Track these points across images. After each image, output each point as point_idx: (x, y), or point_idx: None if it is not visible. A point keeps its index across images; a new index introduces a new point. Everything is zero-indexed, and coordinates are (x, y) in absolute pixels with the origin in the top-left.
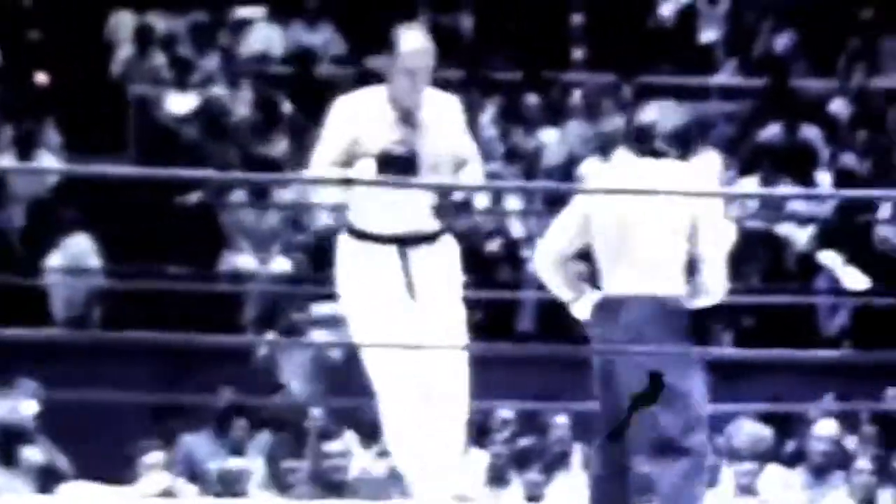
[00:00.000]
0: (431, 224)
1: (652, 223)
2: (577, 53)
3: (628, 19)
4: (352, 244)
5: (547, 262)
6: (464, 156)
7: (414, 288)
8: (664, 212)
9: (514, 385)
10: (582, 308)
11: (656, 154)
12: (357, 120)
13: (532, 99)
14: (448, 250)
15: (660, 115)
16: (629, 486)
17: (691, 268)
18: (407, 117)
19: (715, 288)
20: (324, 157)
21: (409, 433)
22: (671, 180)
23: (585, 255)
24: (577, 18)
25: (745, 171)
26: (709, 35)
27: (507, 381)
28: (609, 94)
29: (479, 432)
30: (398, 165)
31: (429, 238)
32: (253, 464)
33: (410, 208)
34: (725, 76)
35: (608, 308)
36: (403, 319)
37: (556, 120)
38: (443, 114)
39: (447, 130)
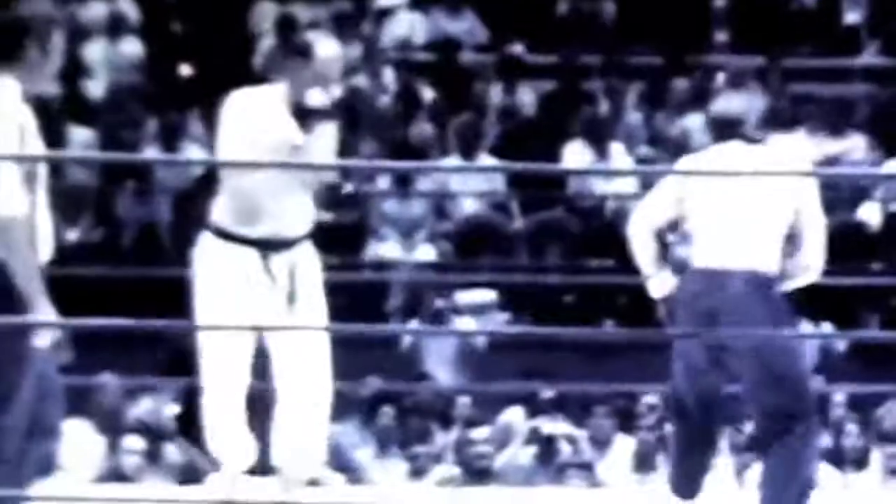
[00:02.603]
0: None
1: (755, 202)
2: (720, 36)
3: (771, 1)
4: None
5: (640, 230)
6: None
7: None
8: (767, 191)
9: (661, 369)
10: (659, 285)
11: (748, 140)
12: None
13: (678, 83)
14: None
15: (747, 104)
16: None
17: (790, 247)
18: (303, 119)
19: (814, 266)
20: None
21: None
22: (771, 163)
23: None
24: (719, 1)
25: (891, 152)
26: (852, 16)
27: (654, 366)
28: (754, 76)
29: (625, 418)
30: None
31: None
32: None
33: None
34: (869, 57)
35: (709, 282)
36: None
37: (700, 103)
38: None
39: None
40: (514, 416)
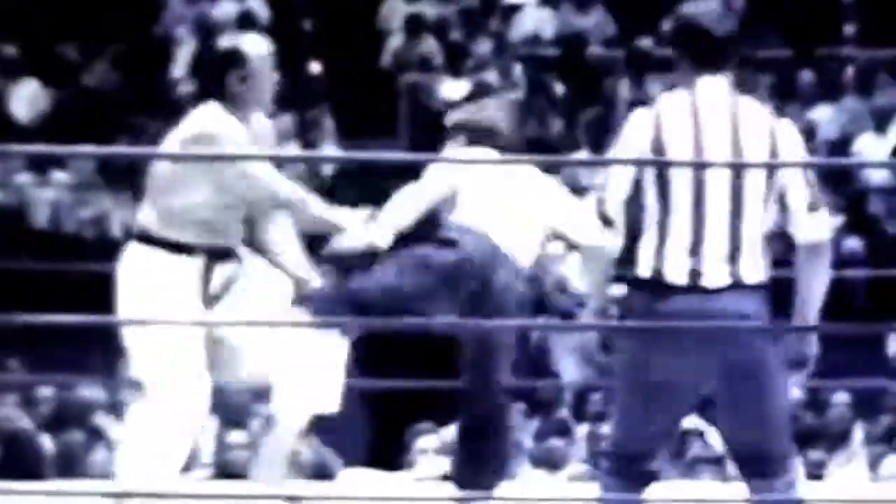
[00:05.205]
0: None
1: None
2: (849, 28)
3: None
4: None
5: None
6: None
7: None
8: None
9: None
10: None
11: None
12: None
13: (807, 76)
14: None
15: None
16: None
17: None
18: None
19: None
20: None
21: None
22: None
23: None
24: None
25: None
26: None
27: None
28: (883, 68)
29: None
30: None
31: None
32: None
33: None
34: None
35: None
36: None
37: (830, 96)
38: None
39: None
40: None
